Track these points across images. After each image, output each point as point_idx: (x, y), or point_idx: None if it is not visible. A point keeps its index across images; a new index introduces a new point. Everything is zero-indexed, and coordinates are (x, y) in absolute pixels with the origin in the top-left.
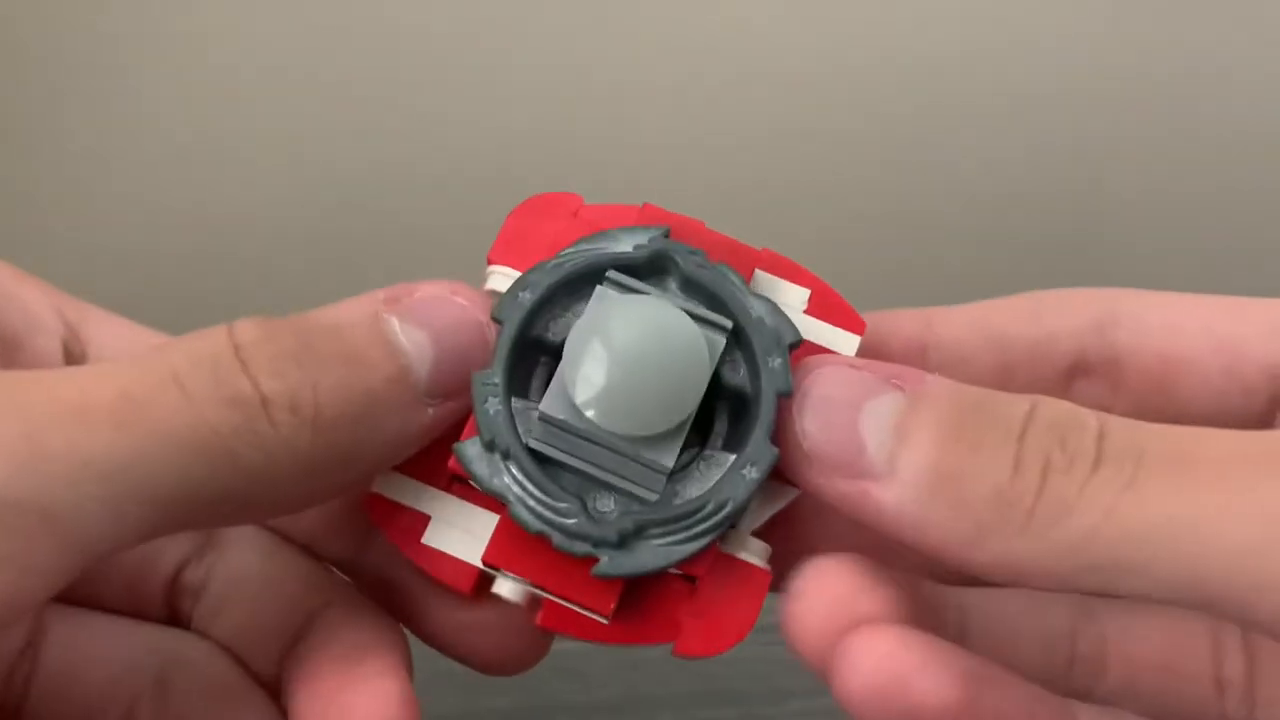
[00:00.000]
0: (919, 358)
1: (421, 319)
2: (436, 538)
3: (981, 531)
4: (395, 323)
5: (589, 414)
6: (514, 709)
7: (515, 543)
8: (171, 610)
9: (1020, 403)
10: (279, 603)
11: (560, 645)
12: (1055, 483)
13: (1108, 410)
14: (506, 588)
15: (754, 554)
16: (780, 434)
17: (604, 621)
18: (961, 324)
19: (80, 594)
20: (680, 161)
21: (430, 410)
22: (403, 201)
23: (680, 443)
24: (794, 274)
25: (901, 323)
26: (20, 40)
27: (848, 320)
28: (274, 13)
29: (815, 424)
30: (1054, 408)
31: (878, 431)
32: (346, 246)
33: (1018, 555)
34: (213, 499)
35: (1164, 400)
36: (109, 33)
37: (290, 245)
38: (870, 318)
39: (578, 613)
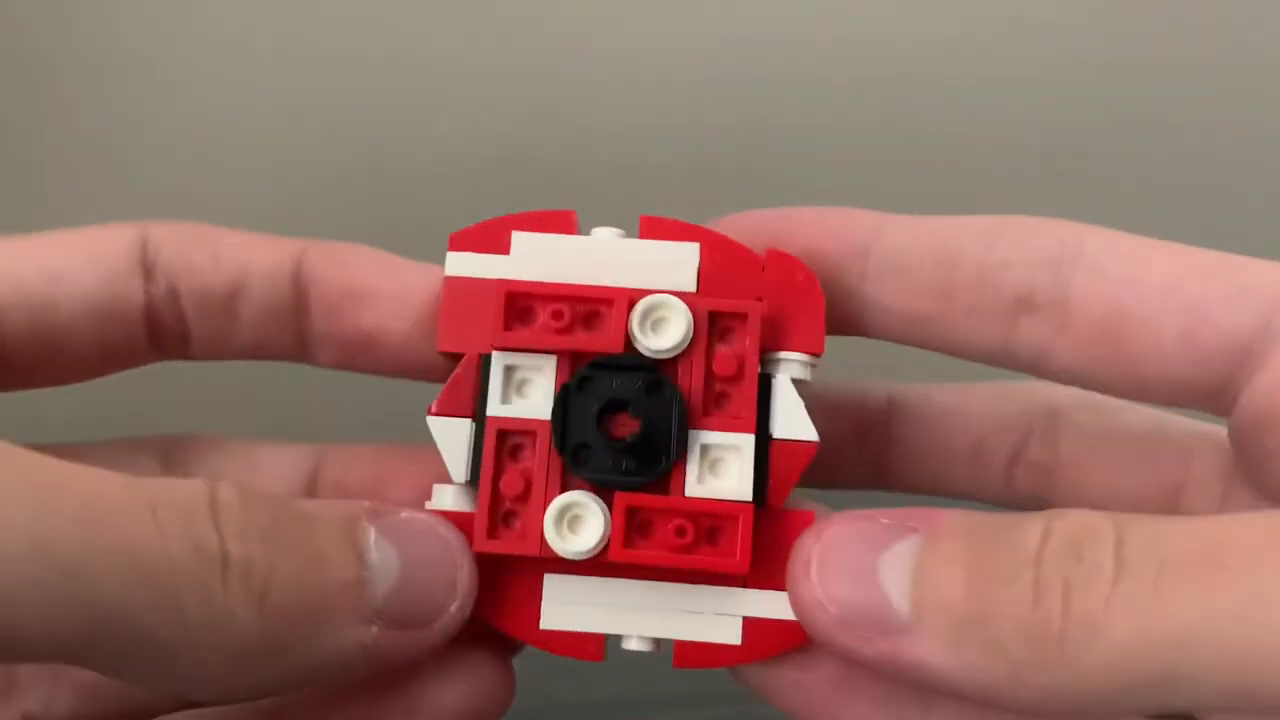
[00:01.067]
0: (859, 260)
1: (398, 539)
2: (555, 620)
3: (1018, 669)
4: (371, 533)
5: None
6: (514, 709)
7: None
8: None
9: (1035, 524)
10: None
11: None
12: (1078, 603)
13: (1047, 354)
14: (635, 643)
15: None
16: (800, 603)
17: (735, 644)
18: (911, 233)
19: None
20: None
21: (373, 631)
22: (404, 198)
23: None
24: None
25: (849, 221)
26: (21, 40)
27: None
28: (275, 9)
29: (837, 587)
30: (1069, 521)
31: (898, 582)
32: (358, 215)
33: (1060, 686)
34: (143, 646)
35: (1110, 354)
36: (107, 32)
37: (300, 216)
38: (823, 213)
39: (708, 644)
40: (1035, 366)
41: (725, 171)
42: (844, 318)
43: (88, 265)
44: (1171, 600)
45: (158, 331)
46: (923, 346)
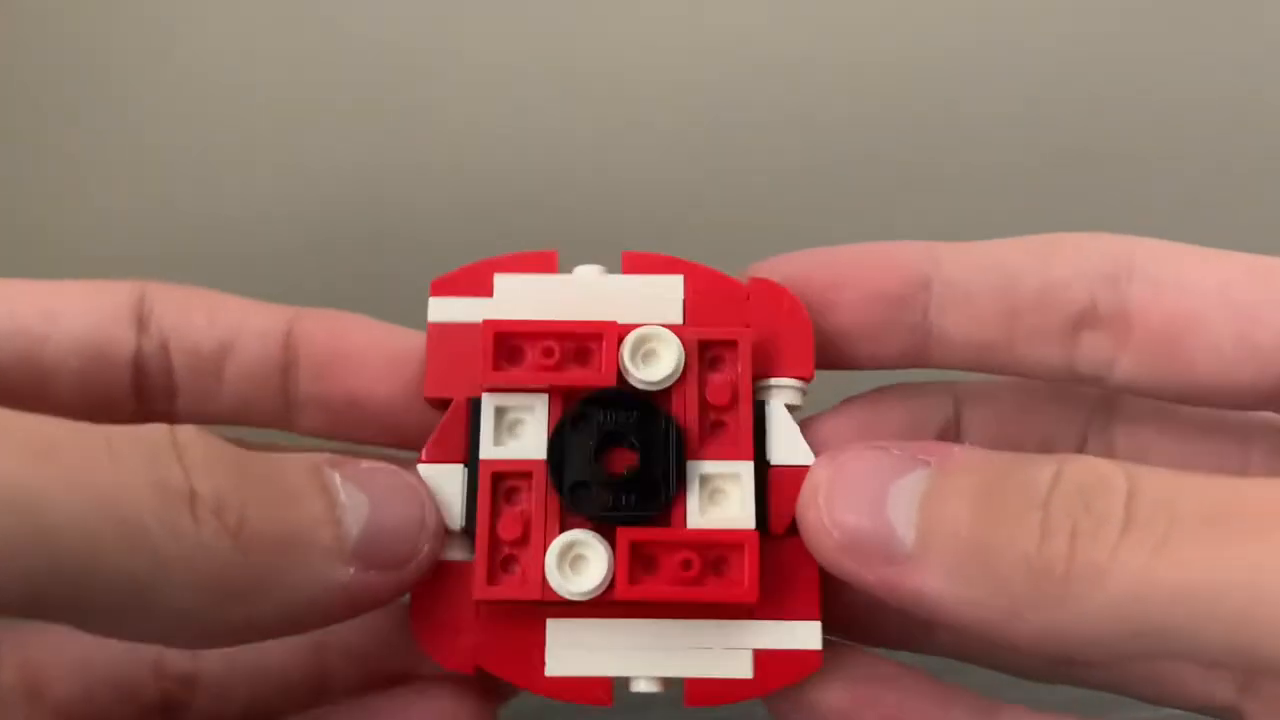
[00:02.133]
0: (922, 292)
1: (364, 482)
2: (560, 665)
3: (1018, 605)
4: (336, 476)
5: None
6: (514, 708)
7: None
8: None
9: (1046, 466)
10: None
11: None
12: (1084, 548)
13: (1109, 367)
14: (643, 684)
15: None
16: (806, 527)
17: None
18: (969, 261)
19: None
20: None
21: (350, 571)
22: (405, 205)
23: None
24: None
25: (905, 255)
26: (19, 43)
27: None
28: (272, 14)
29: (843, 512)
30: (1081, 468)
31: (905, 511)
32: (348, 254)
33: (1058, 625)
34: (112, 579)
35: (1170, 363)
36: (106, 33)
37: (289, 254)
38: (871, 249)
39: (720, 680)
40: (1098, 380)
41: (707, 210)
42: (910, 352)
43: (83, 308)
44: (1178, 557)
45: (144, 384)
46: (989, 372)
